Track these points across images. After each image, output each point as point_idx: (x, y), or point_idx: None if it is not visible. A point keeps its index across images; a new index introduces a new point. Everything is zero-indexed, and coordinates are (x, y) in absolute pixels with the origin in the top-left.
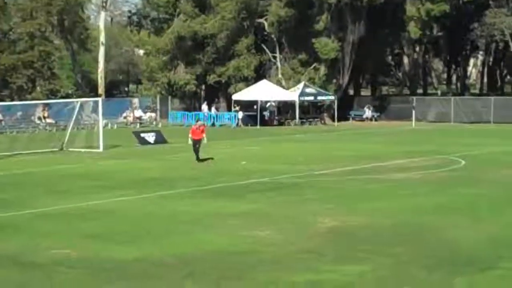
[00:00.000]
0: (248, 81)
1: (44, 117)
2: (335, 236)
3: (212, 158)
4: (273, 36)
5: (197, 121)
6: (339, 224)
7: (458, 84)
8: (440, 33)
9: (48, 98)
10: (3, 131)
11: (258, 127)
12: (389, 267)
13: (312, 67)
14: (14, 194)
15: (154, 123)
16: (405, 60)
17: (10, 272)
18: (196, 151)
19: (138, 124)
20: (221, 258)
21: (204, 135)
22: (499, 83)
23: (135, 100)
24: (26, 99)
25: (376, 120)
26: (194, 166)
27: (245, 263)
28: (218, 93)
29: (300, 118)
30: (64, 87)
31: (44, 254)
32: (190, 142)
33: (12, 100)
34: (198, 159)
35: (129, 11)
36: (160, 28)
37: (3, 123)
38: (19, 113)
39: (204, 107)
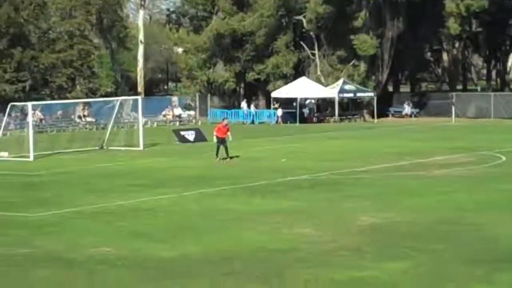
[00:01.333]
0: (287, 78)
1: (84, 116)
2: (375, 233)
3: (237, 157)
4: (311, 33)
5: (223, 119)
6: (380, 221)
7: (498, 80)
8: (479, 29)
9: (88, 97)
10: (44, 130)
11: (297, 124)
12: (430, 263)
13: (351, 64)
14: (55, 193)
15: (194, 121)
16: (444, 56)
17: (52, 270)
18: (226, 149)
19: (177, 122)
20: (262, 255)
21: (229, 133)
22: None
23: (175, 98)
24: (66, 98)
25: (415, 116)
26: (222, 164)
27: (286, 260)
28: (257, 90)
29: (339, 115)
30: (103, 86)
31: (85, 252)
32: (215, 140)
33: (53, 99)
34: (227, 155)
35: (168, 9)
36: (199, 26)
37: (43, 122)
38: (59, 112)
39: (244, 104)
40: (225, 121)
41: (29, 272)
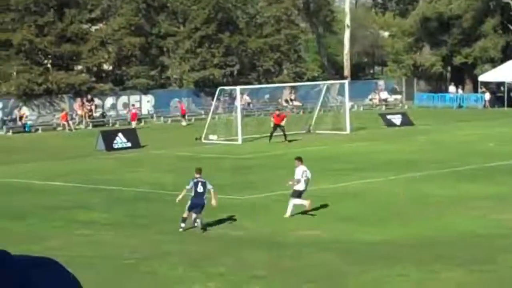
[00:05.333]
0: (495, 62)
1: (291, 100)
2: None
3: (293, 140)
4: None
5: (277, 109)
6: None
7: None
8: None
9: (295, 81)
10: (251, 114)
11: (505, 108)
12: None
13: None
14: (263, 176)
15: (400, 105)
16: None
17: (261, 251)
18: (283, 132)
19: (383, 106)
20: (469, 241)
21: (284, 120)
22: None
23: (381, 82)
24: (273, 82)
25: None
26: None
27: (495, 246)
28: (464, 74)
29: None
30: (310, 70)
31: (294, 235)
32: (272, 125)
33: (260, 83)
34: (285, 139)
35: None
36: (405, 9)
37: (251, 105)
38: (267, 96)
39: (452, 88)
40: (277, 112)
41: (240, 252)
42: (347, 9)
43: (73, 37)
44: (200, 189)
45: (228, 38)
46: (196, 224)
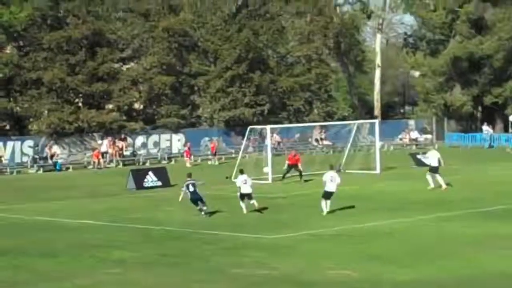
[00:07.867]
0: None
1: (321, 139)
2: None
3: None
4: None
5: (294, 151)
6: None
7: None
8: None
9: (325, 120)
10: (281, 153)
11: None
12: None
13: None
14: (292, 215)
15: (430, 145)
16: None
17: None
18: (299, 173)
19: (414, 146)
20: (501, 280)
21: (300, 163)
22: None
23: (411, 122)
24: (303, 121)
25: None
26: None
27: None
28: (494, 114)
29: None
30: (340, 109)
31: (323, 275)
32: (285, 166)
33: (290, 122)
34: (301, 178)
35: (405, 33)
36: (435, 49)
37: (281, 145)
38: (297, 135)
39: (486, 128)
40: (293, 152)
41: None
42: (377, 49)
43: (105, 76)
44: (191, 189)
45: (258, 77)
46: (202, 213)
